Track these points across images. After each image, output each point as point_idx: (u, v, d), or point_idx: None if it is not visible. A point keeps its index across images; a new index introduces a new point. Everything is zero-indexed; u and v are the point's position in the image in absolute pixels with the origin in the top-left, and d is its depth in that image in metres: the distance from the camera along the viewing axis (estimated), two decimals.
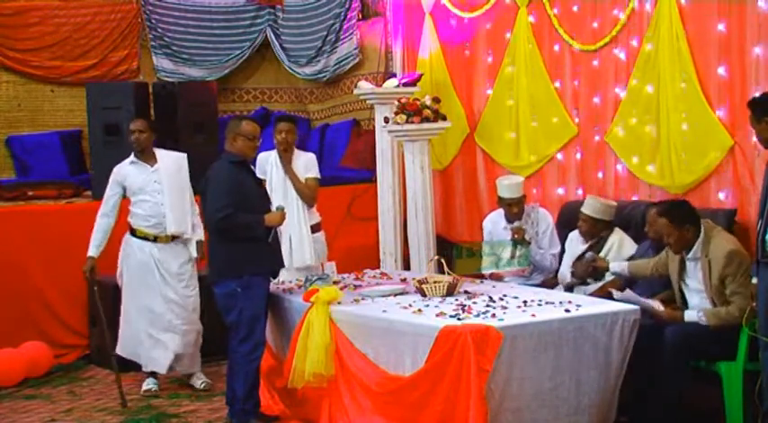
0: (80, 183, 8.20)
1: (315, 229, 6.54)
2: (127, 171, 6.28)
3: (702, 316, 4.93)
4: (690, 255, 5.04)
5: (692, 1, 5.82)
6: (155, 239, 6.22)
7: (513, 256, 6.10)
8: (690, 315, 4.98)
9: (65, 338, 7.29)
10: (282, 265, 5.65)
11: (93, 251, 6.20)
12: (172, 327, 6.24)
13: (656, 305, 5.11)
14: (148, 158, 6.28)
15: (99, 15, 9.00)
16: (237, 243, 5.30)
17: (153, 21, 9.23)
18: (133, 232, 6.27)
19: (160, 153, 6.34)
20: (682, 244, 5.01)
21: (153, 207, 6.20)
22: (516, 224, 6.18)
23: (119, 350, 6.34)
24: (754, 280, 4.71)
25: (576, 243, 6.02)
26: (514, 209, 6.21)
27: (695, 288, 5.07)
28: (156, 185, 6.21)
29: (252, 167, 5.53)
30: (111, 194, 6.28)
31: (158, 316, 6.23)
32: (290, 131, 6.48)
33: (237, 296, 5.29)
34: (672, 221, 4.99)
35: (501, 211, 6.35)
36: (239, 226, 5.29)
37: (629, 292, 5.12)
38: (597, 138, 6.53)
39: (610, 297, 5.30)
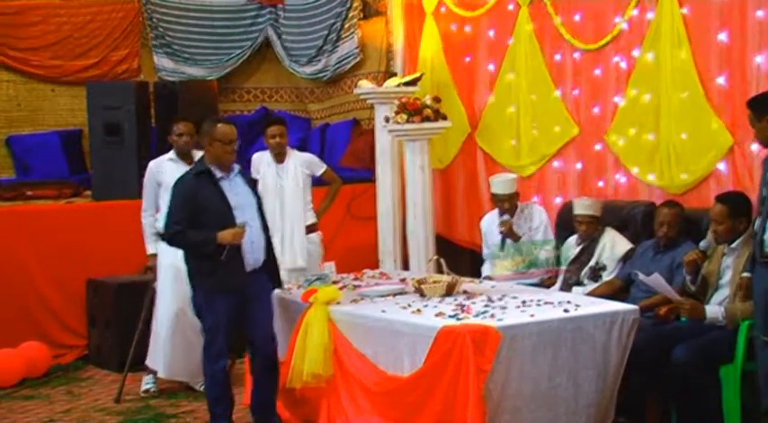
0: (80, 182, 8.18)
1: (310, 229, 6.53)
2: (165, 167, 6.22)
3: (724, 312, 4.88)
4: (732, 246, 4.99)
5: (693, 10, 5.81)
6: None
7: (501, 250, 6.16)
8: (712, 311, 4.91)
9: (63, 339, 7.28)
10: (245, 281, 5.22)
11: (151, 248, 6.21)
12: (199, 333, 6.21)
13: (679, 296, 5.05)
14: (187, 159, 6.21)
15: (100, 14, 8.98)
16: (197, 257, 5.18)
17: (154, 20, 9.22)
18: (162, 237, 6.24)
19: (197, 155, 6.27)
20: (730, 234, 4.96)
21: None
22: (504, 217, 6.18)
23: (148, 361, 6.29)
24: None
25: (569, 247, 6.00)
26: (506, 205, 6.23)
27: (724, 282, 5.03)
28: None
29: (215, 176, 5.17)
30: (149, 190, 6.24)
31: (189, 321, 6.10)
32: (282, 135, 6.44)
33: (199, 307, 5.23)
34: (729, 210, 4.95)
35: (496, 211, 6.36)
36: (188, 244, 5.15)
37: (656, 276, 5.03)
38: (598, 146, 6.51)
39: (630, 281, 5.38)
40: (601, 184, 6.51)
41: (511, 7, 7.17)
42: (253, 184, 5.45)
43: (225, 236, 5.04)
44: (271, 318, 5.32)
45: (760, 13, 5.43)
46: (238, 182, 5.27)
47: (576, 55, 6.65)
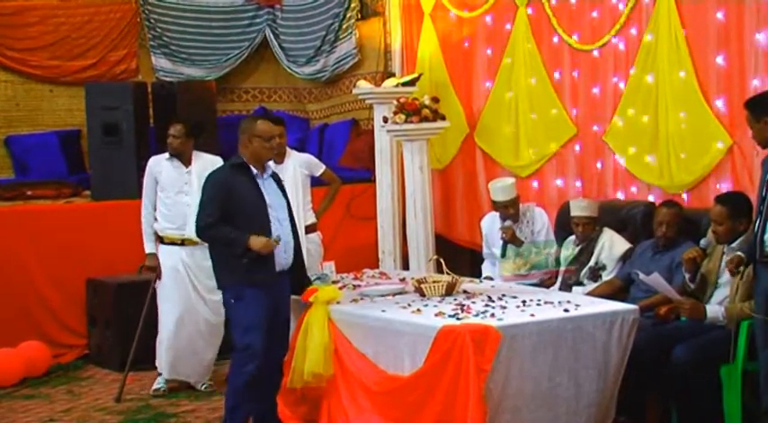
0: (79, 182, 8.19)
1: (310, 229, 6.54)
2: (162, 165, 6.25)
3: (724, 312, 4.90)
4: (732, 246, 4.98)
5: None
6: (182, 243, 6.15)
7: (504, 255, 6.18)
8: (712, 310, 4.93)
9: (63, 338, 7.28)
10: (274, 280, 5.13)
11: (150, 247, 6.22)
12: (204, 333, 6.21)
13: (679, 295, 5.06)
14: (185, 161, 6.25)
15: (97, 15, 8.98)
16: (228, 252, 5.04)
17: (152, 20, 9.22)
18: (162, 240, 6.24)
19: (198, 156, 6.27)
20: (730, 235, 4.96)
21: (178, 206, 6.14)
22: (506, 223, 6.19)
23: (157, 363, 6.30)
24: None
25: (568, 248, 6.01)
26: (510, 210, 6.23)
27: (724, 281, 5.04)
28: (186, 187, 6.15)
29: (251, 171, 5.12)
30: (149, 187, 6.26)
31: (193, 322, 6.17)
32: (282, 135, 6.41)
33: (231, 306, 5.10)
34: (729, 211, 4.94)
35: (497, 212, 6.36)
36: (219, 239, 5.05)
37: (656, 276, 5.03)
38: (596, 128, 6.53)
39: (630, 281, 5.40)
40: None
41: (507, 3, 7.19)
42: (282, 187, 5.32)
43: (256, 242, 4.91)
44: (288, 322, 5.22)
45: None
46: (271, 183, 5.22)
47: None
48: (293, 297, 5.39)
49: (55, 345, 7.15)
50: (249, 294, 5.01)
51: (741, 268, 4.71)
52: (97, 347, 7.21)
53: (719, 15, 5.65)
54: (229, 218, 5.00)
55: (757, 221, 4.59)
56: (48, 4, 8.83)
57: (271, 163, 5.34)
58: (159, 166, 6.27)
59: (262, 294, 5.03)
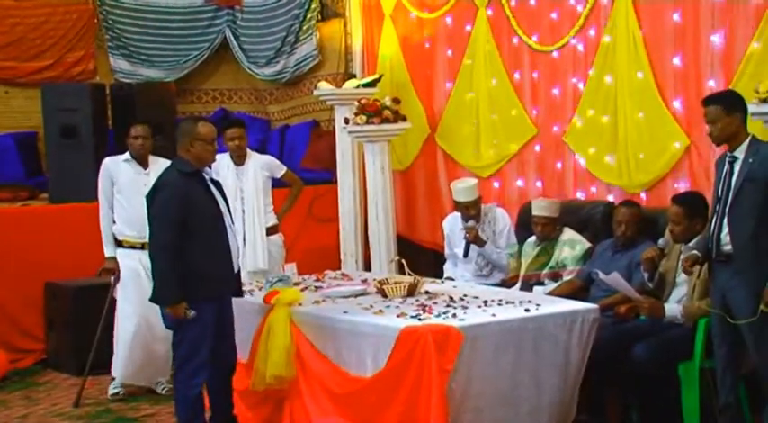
0: (36, 185, 8.10)
1: (271, 231, 6.51)
2: (120, 167, 6.17)
3: (682, 310, 4.96)
4: (689, 245, 5.01)
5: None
6: (142, 247, 6.01)
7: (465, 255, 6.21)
8: (671, 309, 4.99)
9: (21, 343, 7.19)
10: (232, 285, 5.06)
11: (109, 250, 6.13)
12: (157, 330, 6.13)
13: (638, 294, 5.10)
14: (143, 163, 6.19)
15: (54, 16, 8.88)
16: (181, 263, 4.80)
17: (110, 21, 9.14)
18: (120, 244, 6.17)
19: (153, 159, 6.20)
20: (687, 234, 5.02)
21: (137, 208, 5.99)
22: (470, 223, 6.21)
23: (114, 372, 6.20)
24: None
25: (529, 247, 6.04)
26: (471, 211, 6.25)
27: (681, 280, 5.09)
28: (145, 188, 6.02)
29: (204, 176, 4.95)
30: (105, 188, 6.18)
31: (149, 323, 6.05)
32: (242, 137, 6.41)
33: (175, 320, 4.85)
34: (685, 212, 5.01)
35: (459, 213, 6.39)
36: (166, 265, 4.74)
37: (615, 275, 5.07)
38: (556, 129, 6.57)
39: (590, 281, 5.44)
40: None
41: (467, 4, 7.21)
42: (220, 188, 5.12)
43: (172, 309, 4.77)
44: (233, 326, 5.11)
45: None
46: (212, 185, 5.02)
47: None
48: (255, 300, 5.38)
49: (12, 349, 7.06)
50: (204, 308, 4.82)
51: (696, 267, 4.77)
52: (55, 352, 7.13)
53: (676, 16, 5.71)
54: (187, 234, 4.78)
55: (713, 221, 4.64)
56: (1, 5, 8.70)
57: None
58: (117, 166, 6.20)
59: (213, 306, 4.89)
